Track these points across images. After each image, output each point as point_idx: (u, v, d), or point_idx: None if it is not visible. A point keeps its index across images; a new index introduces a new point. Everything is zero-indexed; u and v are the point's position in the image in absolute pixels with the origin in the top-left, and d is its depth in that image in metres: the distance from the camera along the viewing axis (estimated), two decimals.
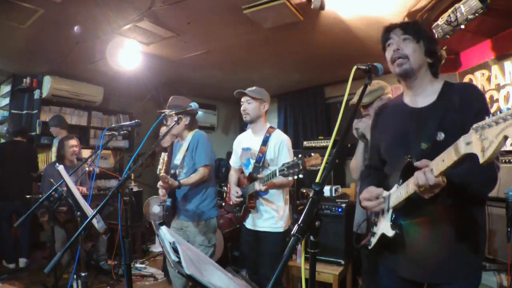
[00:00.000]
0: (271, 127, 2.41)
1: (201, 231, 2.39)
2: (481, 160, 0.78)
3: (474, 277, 1.21)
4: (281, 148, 2.29)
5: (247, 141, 2.47)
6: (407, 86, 1.32)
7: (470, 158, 0.83)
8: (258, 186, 2.16)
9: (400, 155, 1.20)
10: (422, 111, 1.26)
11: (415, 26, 1.29)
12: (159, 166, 2.21)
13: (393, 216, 1.18)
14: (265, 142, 2.31)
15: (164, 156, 2.22)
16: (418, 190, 1.01)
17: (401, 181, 1.15)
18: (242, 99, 2.37)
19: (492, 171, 1.11)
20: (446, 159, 0.92)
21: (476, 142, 0.80)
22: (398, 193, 1.15)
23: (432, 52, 1.28)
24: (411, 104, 1.32)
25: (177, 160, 2.49)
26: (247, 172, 2.43)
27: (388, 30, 1.32)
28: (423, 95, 1.28)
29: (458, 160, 0.88)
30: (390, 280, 1.35)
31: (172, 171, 2.47)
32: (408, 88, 1.33)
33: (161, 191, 2.40)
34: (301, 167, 1.83)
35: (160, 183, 2.28)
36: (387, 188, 1.26)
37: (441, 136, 1.15)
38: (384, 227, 1.22)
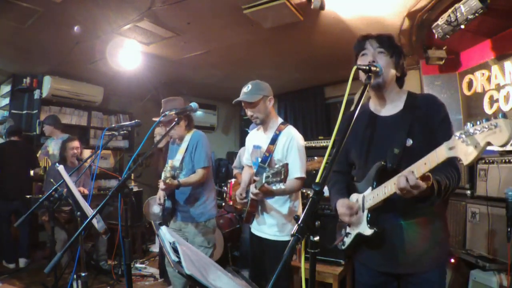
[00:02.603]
0: (283, 123, 2.14)
1: (200, 232, 2.37)
2: (465, 163, 0.90)
3: (444, 265, 1.35)
4: (290, 148, 2.04)
5: (257, 138, 2.26)
6: (377, 96, 1.40)
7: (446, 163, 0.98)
8: (252, 189, 1.95)
9: (372, 160, 1.30)
10: (391, 119, 1.36)
11: (390, 41, 1.35)
12: (166, 174, 2.18)
13: (369, 215, 1.26)
14: (273, 141, 2.08)
15: (171, 162, 2.21)
16: (399, 192, 1.08)
17: (375, 183, 1.24)
18: (244, 104, 2.12)
19: (459, 171, 1.23)
20: (429, 162, 1.02)
21: (460, 147, 0.91)
22: (375, 195, 1.22)
23: (400, 67, 1.37)
24: (379, 113, 1.40)
25: (176, 161, 2.45)
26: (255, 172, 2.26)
27: (364, 39, 1.37)
28: (391, 105, 1.38)
29: (441, 163, 0.99)
30: (366, 274, 1.42)
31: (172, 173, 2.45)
32: (377, 98, 1.41)
33: (160, 193, 2.38)
34: (282, 176, 1.59)
35: (161, 185, 2.25)
36: (356, 190, 1.37)
37: (409, 142, 1.26)
38: (360, 227, 1.29)
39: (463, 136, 0.89)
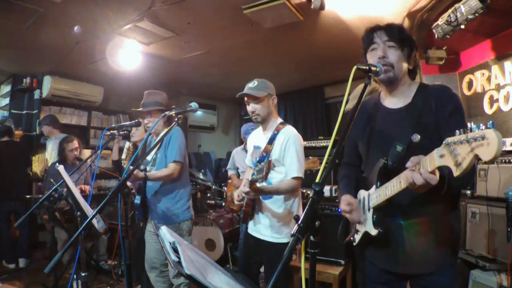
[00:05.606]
0: (281, 123, 2.11)
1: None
2: (456, 174, 0.83)
3: (453, 266, 1.29)
4: (287, 147, 1.98)
5: (257, 139, 2.22)
6: (388, 90, 1.35)
7: None
8: (244, 188, 1.88)
9: (377, 156, 1.24)
10: (398, 112, 1.30)
11: (400, 33, 1.28)
12: (122, 156, 2.08)
13: (375, 216, 1.22)
14: (271, 140, 2.04)
15: (128, 145, 2.10)
16: (413, 188, 1.01)
17: (378, 183, 1.20)
18: (247, 98, 2.07)
19: (472, 174, 1.19)
20: (428, 162, 0.94)
21: (449, 156, 0.85)
22: (377, 194, 1.19)
23: (413, 59, 1.31)
24: (388, 105, 1.35)
25: (150, 156, 2.38)
26: None
27: (372, 31, 1.30)
28: (400, 97, 1.32)
29: (434, 169, 0.93)
30: (373, 272, 1.40)
31: (142, 167, 2.33)
32: (388, 92, 1.36)
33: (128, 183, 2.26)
34: (263, 173, 1.58)
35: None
36: (366, 186, 1.30)
37: (416, 137, 1.18)
38: (367, 226, 1.26)
39: (452, 144, 0.83)
